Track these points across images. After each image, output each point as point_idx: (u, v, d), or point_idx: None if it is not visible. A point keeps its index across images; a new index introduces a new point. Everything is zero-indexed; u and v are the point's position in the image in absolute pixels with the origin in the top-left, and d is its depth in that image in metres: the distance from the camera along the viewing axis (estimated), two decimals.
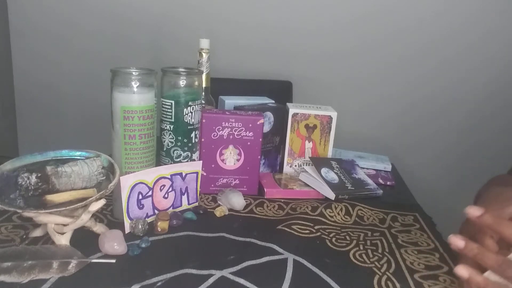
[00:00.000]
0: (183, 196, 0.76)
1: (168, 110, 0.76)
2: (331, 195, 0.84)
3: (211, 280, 0.56)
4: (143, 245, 0.62)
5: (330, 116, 0.95)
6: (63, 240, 0.60)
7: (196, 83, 0.78)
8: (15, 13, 1.84)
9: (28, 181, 0.61)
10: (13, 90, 1.94)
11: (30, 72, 1.90)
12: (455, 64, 1.71)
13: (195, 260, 0.60)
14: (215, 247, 0.65)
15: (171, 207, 0.74)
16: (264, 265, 0.61)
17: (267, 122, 0.94)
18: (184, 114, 0.76)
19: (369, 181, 0.94)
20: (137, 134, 0.67)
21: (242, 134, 0.83)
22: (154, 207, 0.71)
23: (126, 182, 0.65)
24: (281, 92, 1.61)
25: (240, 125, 0.82)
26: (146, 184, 0.68)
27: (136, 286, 0.53)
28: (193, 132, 0.78)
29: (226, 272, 0.58)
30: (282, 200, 0.85)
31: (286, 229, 0.72)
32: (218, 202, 0.81)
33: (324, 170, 0.89)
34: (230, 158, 0.84)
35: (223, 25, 1.75)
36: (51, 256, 0.57)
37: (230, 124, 0.82)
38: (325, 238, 0.70)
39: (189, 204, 0.77)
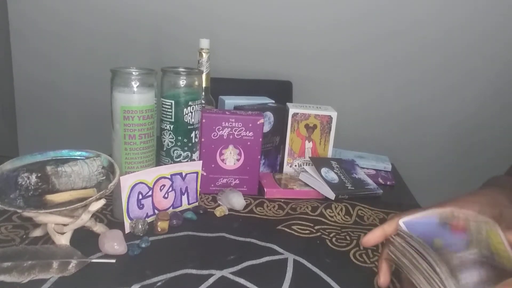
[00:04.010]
0: (183, 196, 0.76)
1: (168, 110, 0.76)
2: (331, 195, 0.84)
3: (211, 280, 0.56)
4: (143, 245, 0.62)
5: (330, 116, 0.95)
6: (63, 240, 0.60)
7: (196, 83, 0.78)
8: (15, 13, 1.84)
9: (28, 181, 0.61)
10: (13, 90, 1.94)
11: (30, 72, 1.90)
12: (455, 64, 1.71)
13: (195, 260, 0.60)
14: (215, 247, 0.65)
15: (171, 207, 0.74)
16: (264, 265, 0.61)
17: (267, 122, 0.94)
18: (184, 114, 0.76)
19: (369, 181, 0.94)
20: (137, 134, 0.67)
21: (242, 134, 0.83)
22: (154, 207, 0.71)
23: (126, 182, 0.65)
24: (281, 92, 1.61)
25: (240, 125, 0.82)
26: (146, 184, 0.68)
27: (136, 286, 0.53)
28: (193, 132, 0.78)
29: (226, 272, 0.58)
30: (282, 200, 0.85)
31: (286, 229, 0.72)
32: (218, 202, 0.81)
33: (324, 170, 0.89)
34: (230, 158, 0.84)
35: (223, 25, 1.75)
36: (51, 256, 0.57)
37: (230, 124, 0.82)
38: (325, 238, 0.70)
39: (189, 204, 0.77)
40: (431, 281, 0.40)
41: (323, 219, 0.77)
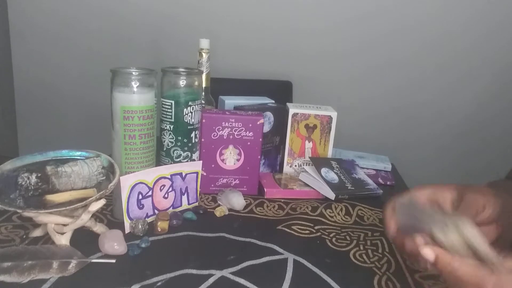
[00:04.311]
0: (183, 196, 0.76)
1: (168, 110, 0.76)
2: (331, 195, 0.84)
3: (211, 280, 0.56)
4: (143, 245, 0.62)
5: (330, 116, 0.95)
6: (63, 240, 0.60)
7: (196, 83, 0.78)
8: (15, 13, 1.84)
9: (28, 181, 0.61)
10: (13, 90, 1.94)
11: (30, 72, 1.90)
12: (455, 64, 1.71)
13: (195, 260, 0.60)
14: (215, 247, 0.65)
15: (171, 207, 0.74)
16: (264, 265, 0.61)
17: (267, 122, 0.94)
18: (184, 114, 0.76)
19: (369, 181, 0.94)
20: (137, 134, 0.67)
21: (242, 134, 0.83)
22: (154, 207, 0.71)
23: (126, 182, 0.65)
24: (281, 92, 1.61)
25: (240, 125, 0.82)
26: (146, 184, 0.68)
27: (136, 286, 0.53)
28: (193, 132, 0.78)
29: (226, 272, 0.58)
30: (282, 200, 0.85)
31: (286, 229, 0.72)
32: (218, 202, 0.81)
33: (324, 170, 0.89)
34: (230, 158, 0.84)
35: (223, 25, 1.75)
36: (51, 256, 0.57)
37: (230, 124, 0.82)
38: (325, 238, 0.70)
39: (189, 204, 0.77)
40: (439, 225, 0.44)
41: (323, 219, 0.77)
